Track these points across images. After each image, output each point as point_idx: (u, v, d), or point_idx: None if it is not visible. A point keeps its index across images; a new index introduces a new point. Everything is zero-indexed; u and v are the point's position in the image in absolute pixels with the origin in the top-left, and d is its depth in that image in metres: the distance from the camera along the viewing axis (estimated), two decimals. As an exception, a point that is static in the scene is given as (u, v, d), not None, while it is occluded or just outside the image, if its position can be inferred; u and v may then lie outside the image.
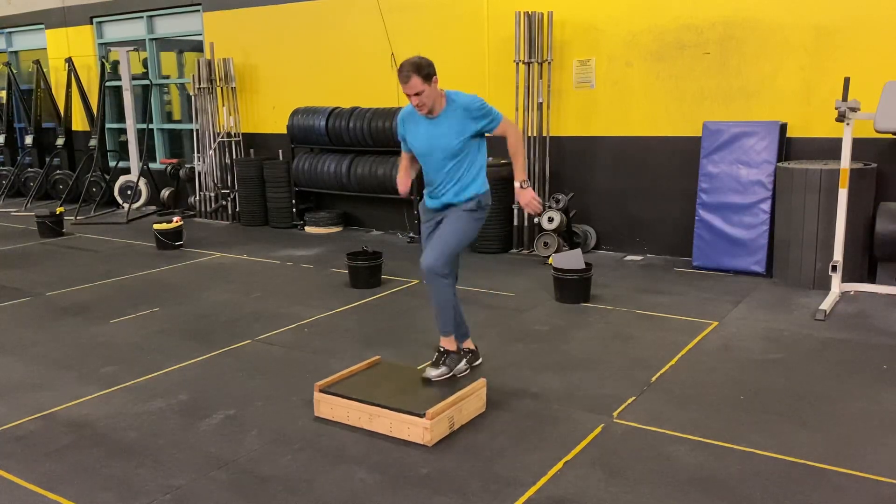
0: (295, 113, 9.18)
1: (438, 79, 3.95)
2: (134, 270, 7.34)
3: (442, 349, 4.22)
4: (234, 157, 9.99)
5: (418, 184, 8.08)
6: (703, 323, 5.34)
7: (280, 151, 9.61)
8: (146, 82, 11.24)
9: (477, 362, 4.55)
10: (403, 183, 4.36)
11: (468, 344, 4.49)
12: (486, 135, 4.10)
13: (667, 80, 7.12)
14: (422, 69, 3.82)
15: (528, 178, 7.60)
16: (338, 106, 8.97)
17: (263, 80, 9.90)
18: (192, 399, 4.23)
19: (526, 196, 4.11)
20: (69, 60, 11.59)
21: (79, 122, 12.09)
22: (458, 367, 4.25)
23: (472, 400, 3.86)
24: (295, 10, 9.34)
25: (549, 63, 7.53)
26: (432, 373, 4.11)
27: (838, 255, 5.77)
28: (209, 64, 9.87)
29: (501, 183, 7.42)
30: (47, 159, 12.13)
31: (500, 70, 7.79)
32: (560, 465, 3.39)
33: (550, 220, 7.29)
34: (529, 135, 7.61)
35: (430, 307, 4.27)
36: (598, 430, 3.72)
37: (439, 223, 4.22)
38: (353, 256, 6.56)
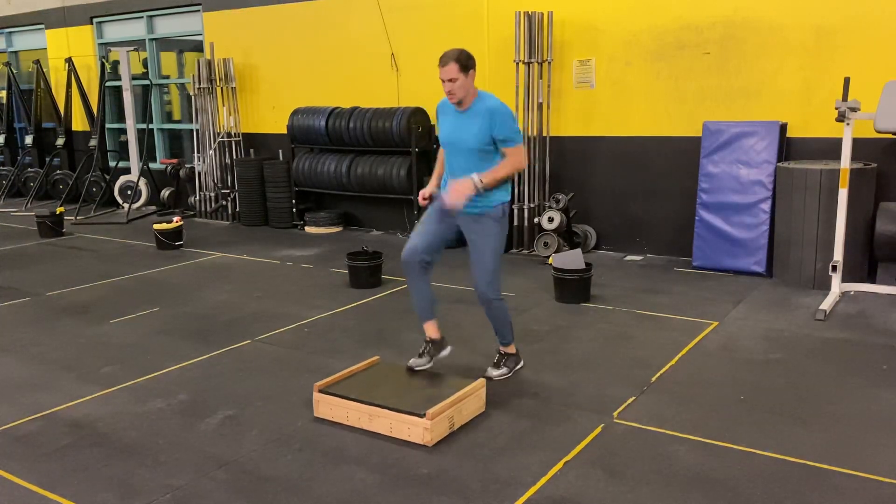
0: (295, 113, 9.18)
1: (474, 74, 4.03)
2: (134, 270, 7.34)
3: (503, 353, 4.47)
4: (234, 157, 9.98)
5: (418, 181, 8.10)
6: (703, 323, 5.34)
7: (280, 151, 9.61)
8: (146, 82, 11.23)
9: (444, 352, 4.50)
10: (424, 192, 4.33)
11: (434, 331, 4.41)
12: (499, 147, 4.04)
13: (667, 80, 7.12)
14: (461, 59, 3.94)
15: (528, 178, 7.64)
16: (338, 106, 8.97)
17: (263, 80, 9.90)
18: (191, 399, 4.23)
19: (463, 187, 3.95)
20: (69, 60, 11.59)
21: (79, 122, 12.09)
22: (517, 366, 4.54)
23: (471, 400, 3.87)
24: (295, 10, 9.34)
25: (549, 63, 7.53)
26: (494, 372, 4.40)
27: (838, 255, 5.77)
28: (209, 64, 9.87)
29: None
30: (47, 159, 12.13)
31: (500, 70, 7.79)
32: (560, 465, 3.39)
33: (550, 220, 7.29)
34: (529, 135, 7.61)
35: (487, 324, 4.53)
36: (598, 430, 3.72)
37: (457, 229, 4.21)
38: (353, 256, 6.56)
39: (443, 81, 3.98)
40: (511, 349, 4.49)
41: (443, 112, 4.23)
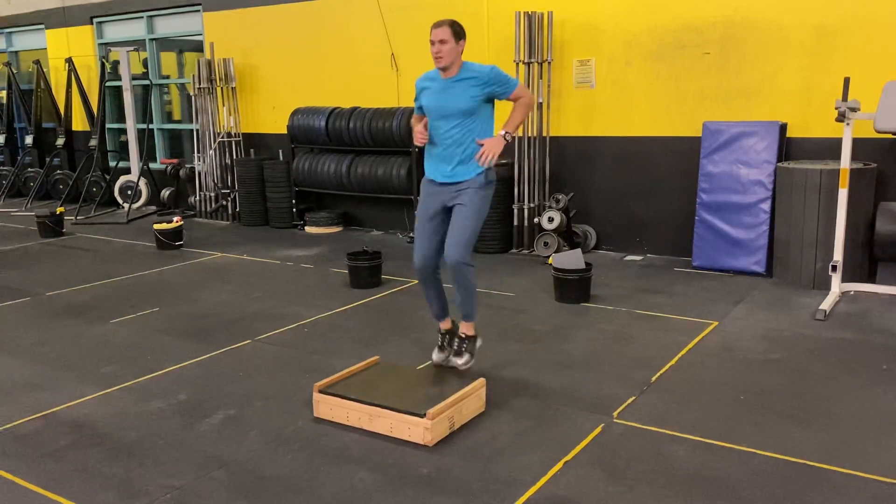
0: (295, 113, 9.18)
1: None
2: (134, 270, 7.34)
3: (463, 335, 4.28)
4: (234, 157, 9.98)
5: (418, 181, 8.10)
6: (703, 323, 5.34)
7: (280, 151, 9.61)
8: (146, 82, 11.23)
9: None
10: (421, 133, 4.23)
11: (448, 323, 4.47)
12: (503, 99, 4.15)
13: (667, 80, 7.12)
14: (455, 25, 4.14)
15: (528, 178, 7.64)
16: (338, 106, 8.97)
17: (263, 80, 9.90)
18: (191, 399, 4.23)
19: (495, 143, 4.02)
20: (69, 60, 11.58)
21: (79, 122, 12.09)
22: (476, 348, 4.37)
23: (471, 400, 3.87)
24: (295, 10, 9.34)
25: (549, 63, 7.53)
26: (458, 361, 4.22)
27: (838, 255, 5.77)
28: (209, 64, 9.87)
29: (500, 183, 7.39)
30: (47, 159, 12.13)
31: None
32: (560, 465, 3.39)
33: (550, 220, 7.29)
34: (529, 135, 7.61)
35: (427, 298, 4.34)
36: (598, 430, 3.72)
37: (446, 208, 4.16)
38: (353, 256, 6.56)
39: (432, 43, 4.08)
40: (472, 329, 4.30)
41: (425, 84, 4.27)
